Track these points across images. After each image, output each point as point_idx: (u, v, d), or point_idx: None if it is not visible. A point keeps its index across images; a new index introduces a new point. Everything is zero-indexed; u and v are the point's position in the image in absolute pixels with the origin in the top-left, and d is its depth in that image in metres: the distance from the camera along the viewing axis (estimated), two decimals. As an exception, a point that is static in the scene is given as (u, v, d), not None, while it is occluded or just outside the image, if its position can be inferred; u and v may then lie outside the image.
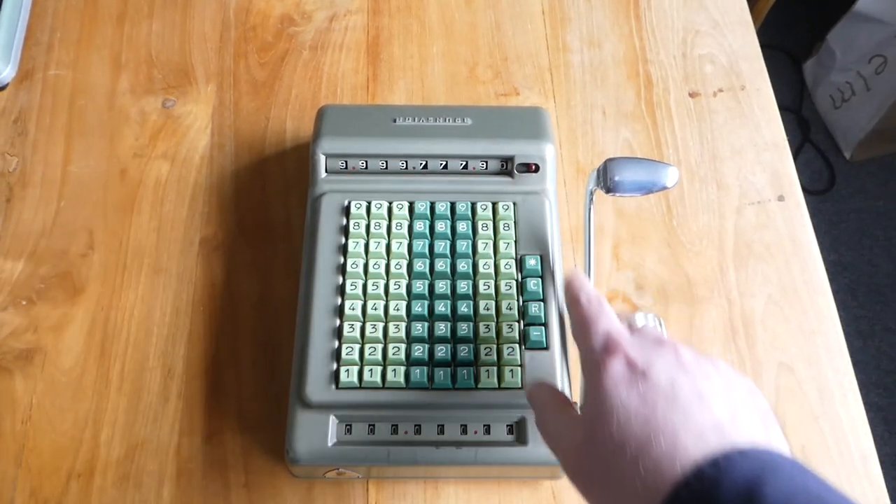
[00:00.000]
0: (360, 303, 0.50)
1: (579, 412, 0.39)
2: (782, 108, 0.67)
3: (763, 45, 0.70)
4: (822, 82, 1.65)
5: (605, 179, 0.50)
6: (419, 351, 0.49)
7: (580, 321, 0.41)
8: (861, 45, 1.52)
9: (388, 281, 0.51)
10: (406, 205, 0.54)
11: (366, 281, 0.51)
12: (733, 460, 0.31)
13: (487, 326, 0.50)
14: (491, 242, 0.53)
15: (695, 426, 0.33)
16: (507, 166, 0.55)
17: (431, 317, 0.50)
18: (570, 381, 0.49)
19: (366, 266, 0.52)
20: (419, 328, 0.49)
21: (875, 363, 1.42)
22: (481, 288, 0.51)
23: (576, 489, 0.36)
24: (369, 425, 0.48)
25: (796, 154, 1.61)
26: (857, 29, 1.53)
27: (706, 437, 0.32)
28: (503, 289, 0.51)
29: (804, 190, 0.64)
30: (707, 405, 0.34)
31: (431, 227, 0.53)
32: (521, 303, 0.51)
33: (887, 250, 1.53)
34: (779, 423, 0.36)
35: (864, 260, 1.52)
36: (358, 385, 0.48)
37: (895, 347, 1.43)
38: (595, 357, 0.38)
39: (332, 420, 0.48)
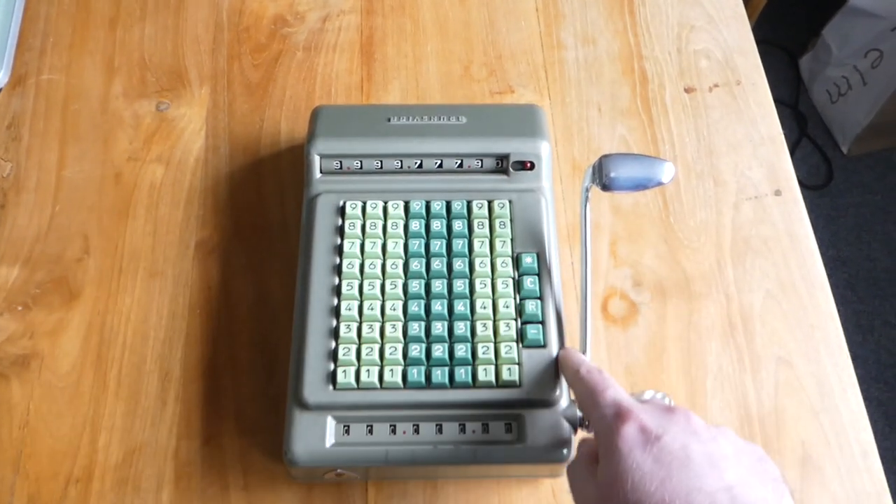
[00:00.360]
0: (356, 303, 0.50)
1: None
2: (779, 103, 0.67)
3: (759, 41, 0.70)
4: (818, 77, 1.65)
5: (601, 176, 0.50)
6: (416, 350, 0.48)
7: (586, 392, 0.42)
8: (857, 40, 1.52)
9: (384, 281, 0.51)
10: (401, 204, 0.54)
11: (362, 281, 0.51)
12: None
13: (485, 325, 0.49)
14: (487, 241, 0.52)
15: (708, 488, 0.34)
16: (502, 164, 0.55)
17: (428, 316, 0.50)
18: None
19: (362, 266, 0.51)
20: (416, 328, 0.49)
21: (875, 357, 1.41)
22: (478, 286, 0.51)
23: None
24: (367, 426, 0.47)
25: (793, 149, 1.61)
26: (853, 23, 1.52)
27: (718, 500, 0.34)
28: (500, 287, 0.51)
29: (802, 185, 0.64)
30: (718, 469, 0.36)
31: (427, 227, 0.53)
32: (518, 301, 0.50)
33: (885, 244, 1.53)
34: (789, 490, 0.37)
35: (863, 255, 1.51)
36: (355, 386, 0.48)
37: (895, 342, 1.43)
38: (608, 423, 0.39)
39: (330, 421, 0.47)
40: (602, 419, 0.40)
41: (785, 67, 1.72)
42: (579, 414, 0.47)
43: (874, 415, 0.56)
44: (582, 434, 0.48)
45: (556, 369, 0.48)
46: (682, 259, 0.60)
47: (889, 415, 1.36)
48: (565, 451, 0.47)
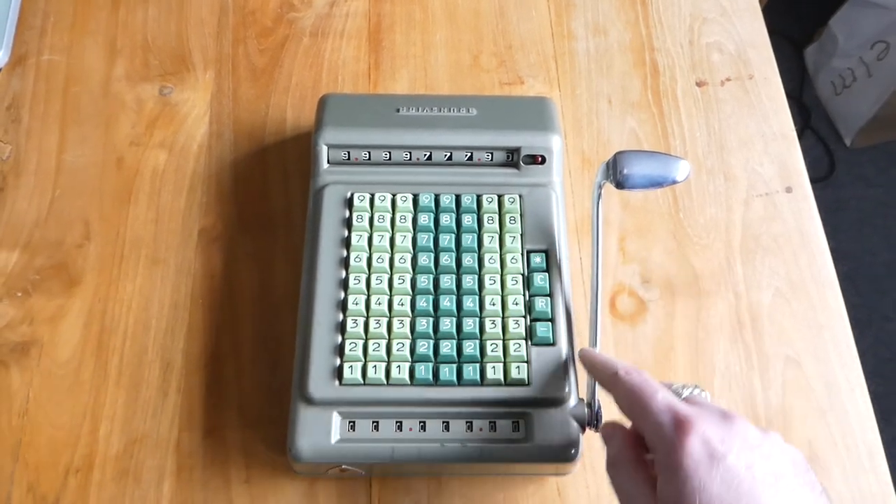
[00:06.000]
0: (363, 297, 0.49)
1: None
2: (782, 94, 0.66)
3: (764, 31, 0.69)
4: (823, 68, 1.64)
5: (615, 173, 0.49)
6: (424, 347, 0.48)
7: (632, 396, 0.41)
8: (863, 31, 1.51)
9: (391, 275, 0.50)
10: (410, 197, 0.53)
11: (369, 275, 0.50)
12: None
13: (493, 322, 0.49)
14: (497, 236, 0.52)
15: None
16: (512, 158, 0.54)
17: (436, 312, 0.49)
18: (576, 378, 0.48)
19: (369, 260, 0.51)
20: (424, 324, 0.49)
21: (872, 352, 1.41)
22: (487, 283, 0.50)
23: None
24: (373, 422, 0.47)
25: (796, 141, 1.60)
26: (860, 14, 1.51)
27: None
28: (509, 284, 0.50)
29: (803, 177, 0.63)
30: (779, 489, 0.36)
31: (436, 221, 0.52)
32: (527, 298, 0.50)
33: (886, 239, 1.52)
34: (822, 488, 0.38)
35: (863, 248, 1.51)
36: (362, 381, 0.47)
37: (892, 336, 1.43)
38: (667, 435, 0.38)
39: (336, 417, 0.47)
40: (659, 429, 0.38)
41: (789, 58, 1.71)
42: (588, 412, 0.47)
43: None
44: (590, 432, 0.48)
45: (565, 367, 0.48)
46: (690, 256, 0.59)
47: (884, 409, 1.36)
48: (573, 450, 0.46)
